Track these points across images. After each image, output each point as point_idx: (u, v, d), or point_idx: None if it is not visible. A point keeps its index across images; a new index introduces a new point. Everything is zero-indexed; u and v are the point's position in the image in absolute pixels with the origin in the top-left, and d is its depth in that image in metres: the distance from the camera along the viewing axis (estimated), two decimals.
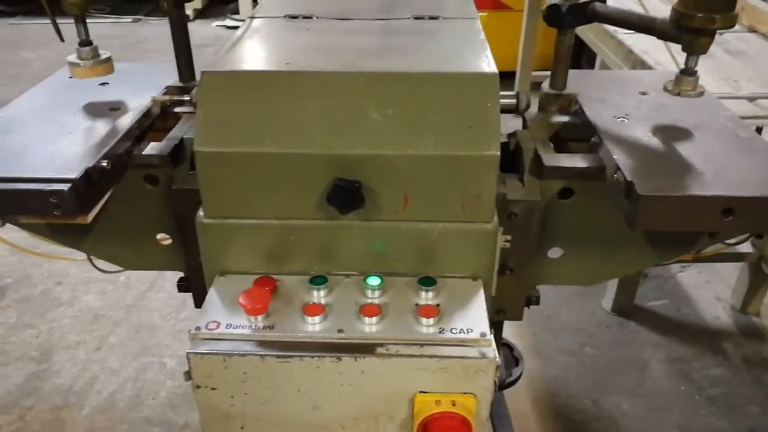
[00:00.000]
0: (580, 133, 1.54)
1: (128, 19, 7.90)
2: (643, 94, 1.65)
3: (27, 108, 1.53)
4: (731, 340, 3.00)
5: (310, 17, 1.51)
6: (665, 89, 1.44)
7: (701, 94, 1.42)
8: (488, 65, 1.20)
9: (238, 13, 7.67)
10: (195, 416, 2.59)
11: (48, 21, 1.44)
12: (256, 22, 1.48)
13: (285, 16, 1.52)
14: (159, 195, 1.48)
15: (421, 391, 1.12)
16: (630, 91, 1.66)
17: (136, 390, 2.71)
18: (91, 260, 1.71)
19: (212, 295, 1.22)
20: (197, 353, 1.10)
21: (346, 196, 1.15)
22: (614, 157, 1.28)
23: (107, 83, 1.64)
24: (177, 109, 1.58)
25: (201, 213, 1.24)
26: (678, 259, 1.96)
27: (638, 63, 2.84)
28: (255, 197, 1.20)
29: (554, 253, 1.53)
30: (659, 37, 1.43)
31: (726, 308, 3.18)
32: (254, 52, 1.31)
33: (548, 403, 2.65)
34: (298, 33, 1.41)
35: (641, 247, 1.49)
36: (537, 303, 1.57)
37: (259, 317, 1.15)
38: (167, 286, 3.29)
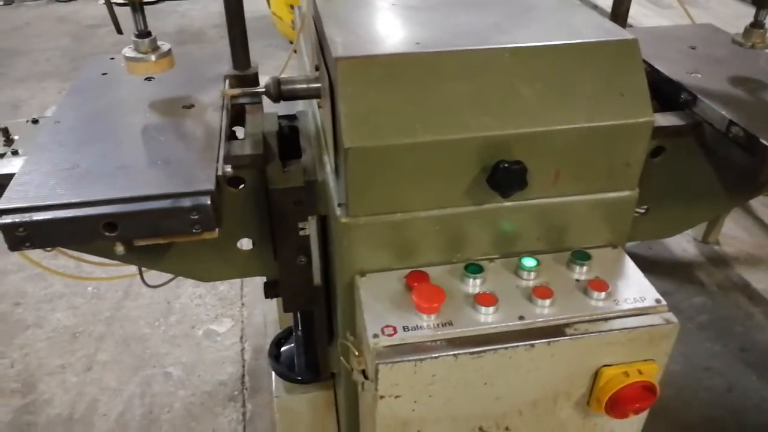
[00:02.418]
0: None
1: None
2: (693, 48, 1.70)
3: (83, 113, 1.33)
4: (702, 270, 3.25)
5: None
6: (734, 42, 1.50)
7: None
8: (622, 31, 1.19)
9: None
10: (220, 423, 2.46)
11: None
12: (331, 2, 1.36)
13: None
14: (244, 198, 1.36)
15: (605, 365, 1.12)
16: (678, 46, 1.71)
17: (146, 406, 2.51)
18: (141, 274, 1.55)
19: (367, 298, 1.14)
20: (387, 363, 1.03)
21: (511, 178, 1.10)
22: (723, 112, 1.32)
23: (152, 78, 1.46)
24: (242, 101, 1.44)
25: (339, 213, 1.15)
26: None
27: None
28: (405, 190, 1.12)
29: (640, 209, 1.57)
30: None
31: (690, 241, 3.43)
32: (368, 33, 1.21)
33: None
34: (395, 10, 1.31)
35: (718, 195, 1.55)
36: None
37: (433, 315, 1.09)
38: (145, 292, 3.05)
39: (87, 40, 5.99)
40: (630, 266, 1.22)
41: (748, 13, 1.49)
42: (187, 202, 1.02)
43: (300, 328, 1.64)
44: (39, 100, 4.83)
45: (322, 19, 1.26)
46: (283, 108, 1.56)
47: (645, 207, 1.56)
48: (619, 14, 1.64)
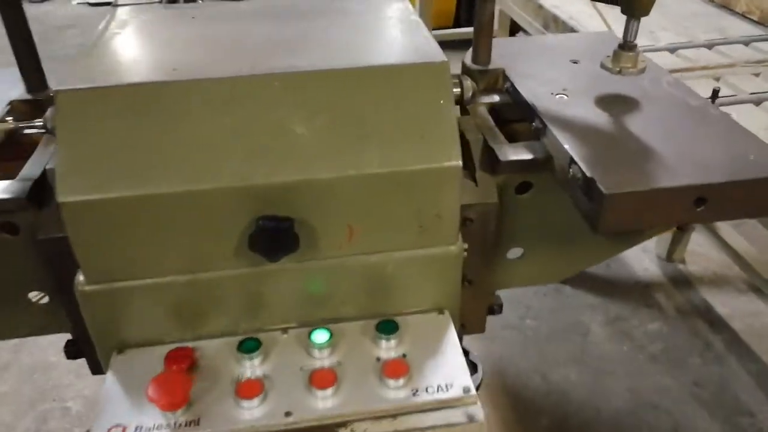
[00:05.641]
0: (519, 114, 1.33)
1: None
2: (575, 62, 1.45)
3: None
4: (662, 291, 2.99)
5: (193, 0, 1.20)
6: (603, 67, 1.25)
7: (643, 70, 1.24)
8: (434, 51, 0.96)
9: None
10: None
11: None
12: (123, 11, 1.15)
13: (162, 1, 1.20)
14: (23, 246, 1.15)
15: None
16: (560, 60, 1.45)
17: None
18: None
19: (111, 383, 0.93)
20: None
21: (276, 239, 0.88)
22: (565, 146, 1.08)
23: None
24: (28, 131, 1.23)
25: (81, 278, 0.94)
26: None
27: (550, 19, 2.69)
28: (150, 251, 0.91)
29: (513, 253, 1.34)
30: None
31: (653, 259, 3.18)
32: (127, 55, 0.99)
33: (497, 385, 2.53)
34: (183, 23, 1.10)
35: (599, 239, 1.32)
36: (500, 311, 1.38)
37: (179, 410, 0.88)
38: None
39: (53, 41, 5.84)
40: (449, 339, 0.99)
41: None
42: None
43: None
44: None
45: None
46: None
47: (521, 249, 1.33)
48: (484, 24, 1.38)
